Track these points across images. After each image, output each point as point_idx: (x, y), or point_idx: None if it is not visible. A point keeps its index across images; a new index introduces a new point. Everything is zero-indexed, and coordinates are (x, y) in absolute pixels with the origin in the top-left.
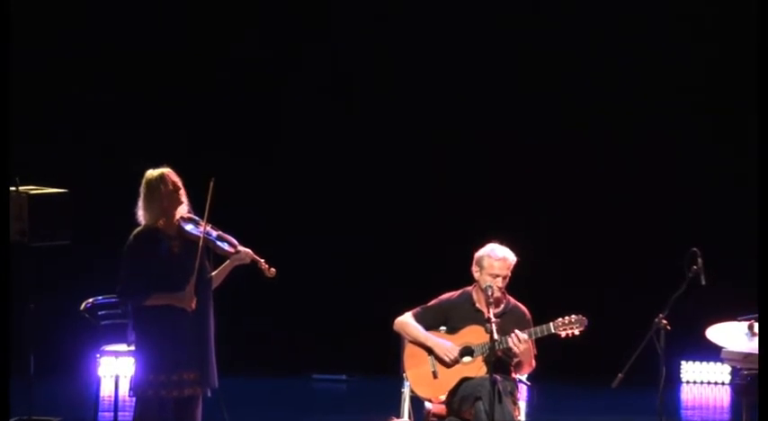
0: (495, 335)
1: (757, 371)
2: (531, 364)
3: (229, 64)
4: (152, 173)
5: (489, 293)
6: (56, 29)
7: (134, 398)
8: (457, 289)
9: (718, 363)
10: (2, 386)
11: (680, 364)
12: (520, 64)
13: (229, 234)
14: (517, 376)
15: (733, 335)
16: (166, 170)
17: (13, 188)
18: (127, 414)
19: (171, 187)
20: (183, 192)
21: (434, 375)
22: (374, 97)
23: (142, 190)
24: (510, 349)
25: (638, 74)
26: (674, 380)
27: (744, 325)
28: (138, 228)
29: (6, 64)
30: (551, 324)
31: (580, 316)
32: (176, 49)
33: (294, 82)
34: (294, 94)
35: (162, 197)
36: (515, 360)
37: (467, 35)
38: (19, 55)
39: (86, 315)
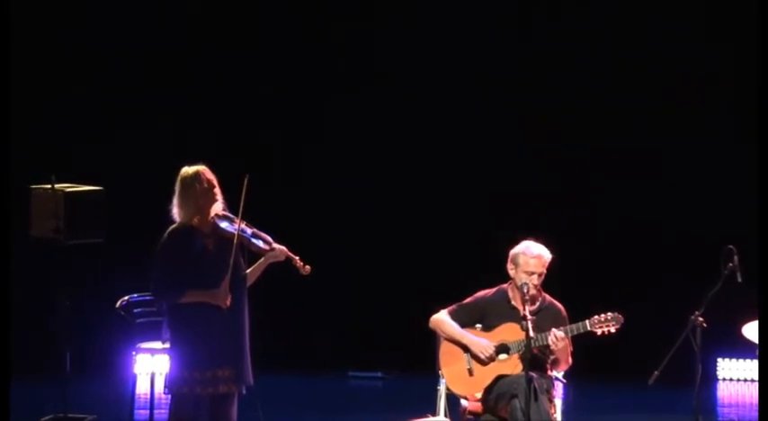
0: (531, 333)
1: None
2: (567, 362)
3: (247, 62)
4: (187, 170)
5: (525, 291)
6: (93, 19)
7: (169, 396)
8: (493, 287)
9: (755, 361)
10: (2, 387)
11: (716, 362)
12: (535, 62)
13: (264, 231)
14: (553, 373)
15: None
16: (201, 168)
17: (48, 186)
18: (162, 411)
19: (206, 185)
20: (218, 190)
21: (470, 373)
22: (393, 92)
23: (177, 187)
24: (546, 346)
25: (665, 71)
26: (711, 378)
27: None
28: (173, 226)
29: (8, 63)
30: (587, 321)
31: (616, 313)
32: (204, 47)
33: (314, 79)
34: (320, 91)
35: (197, 195)
36: (551, 357)
37: (487, 30)
38: (49, 52)
39: (122, 313)
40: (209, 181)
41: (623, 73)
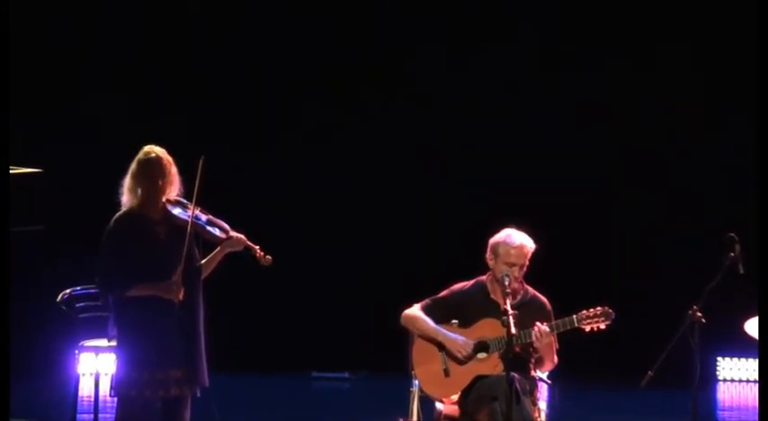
0: (513, 329)
1: None
2: (552, 361)
3: (229, 60)
4: (150, 153)
5: (506, 283)
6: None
7: (116, 399)
8: (469, 279)
9: (758, 360)
10: (2, 385)
11: (716, 361)
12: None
13: (221, 218)
14: (537, 374)
15: None
16: (166, 157)
17: None
18: (108, 416)
19: (160, 182)
20: (175, 187)
21: (446, 373)
22: (374, 94)
23: (134, 167)
24: (529, 344)
25: (655, 67)
26: (710, 379)
27: None
28: (120, 212)
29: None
30: (574, 317)
31: (606, 308)
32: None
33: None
34: (299, 90)
35: (152, 186)
36: (535, 356)
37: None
38: None
39: (63, 307)
40: (171, 176)
41: (614, 63)
